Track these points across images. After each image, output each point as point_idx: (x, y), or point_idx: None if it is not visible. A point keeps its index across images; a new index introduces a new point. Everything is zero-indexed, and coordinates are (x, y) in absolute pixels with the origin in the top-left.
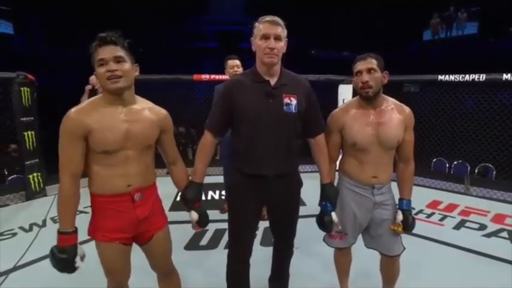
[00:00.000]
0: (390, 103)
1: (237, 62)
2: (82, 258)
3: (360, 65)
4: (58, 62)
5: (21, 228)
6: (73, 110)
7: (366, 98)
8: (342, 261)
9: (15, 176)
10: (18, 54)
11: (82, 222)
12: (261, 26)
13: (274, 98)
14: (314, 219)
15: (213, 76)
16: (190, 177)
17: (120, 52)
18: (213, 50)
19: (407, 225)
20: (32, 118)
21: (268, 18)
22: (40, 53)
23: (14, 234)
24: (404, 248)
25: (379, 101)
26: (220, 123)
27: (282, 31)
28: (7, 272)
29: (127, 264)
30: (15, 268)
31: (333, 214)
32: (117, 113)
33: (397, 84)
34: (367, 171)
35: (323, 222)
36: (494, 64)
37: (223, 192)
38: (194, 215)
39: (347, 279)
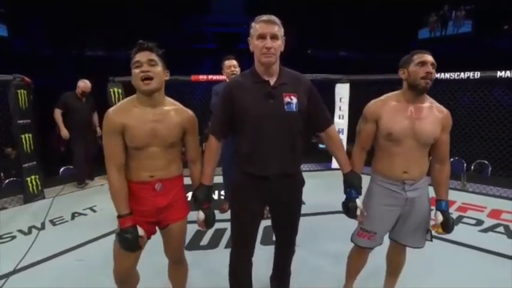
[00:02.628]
0: (430, 102)
1: (234, 62)
2: (144, 236)
3: (425, 57)
4: (57, 63)
5: (20, 231)
6: (110, 110)
7: (422, 89)
8: (359, 261)
9: (12, 179)
10: (15, 56)
11: (87, 222)
12: (257, 26)
13: (275, 98)
14: (314, 217)
15: (210, 76)
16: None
17: (154, 57)
18: (212, 51)
19: (448, 226)
20: (29, 121)
21: (264, 17)
22: (39, 54)
23: (13, 237)
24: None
25: (422, 97)
26: (223, 126)
27: (279, 30)
28: (7, 275)
29: (136, 257)
30: (15, 271)
31: (358, 200)
32: (146, 113)
33: (395, 83)
34: (398, 165)
35: (348, 208)
36: (489, 62)
37: (223, 192)
38: (201, 215)
39: (354, 280)
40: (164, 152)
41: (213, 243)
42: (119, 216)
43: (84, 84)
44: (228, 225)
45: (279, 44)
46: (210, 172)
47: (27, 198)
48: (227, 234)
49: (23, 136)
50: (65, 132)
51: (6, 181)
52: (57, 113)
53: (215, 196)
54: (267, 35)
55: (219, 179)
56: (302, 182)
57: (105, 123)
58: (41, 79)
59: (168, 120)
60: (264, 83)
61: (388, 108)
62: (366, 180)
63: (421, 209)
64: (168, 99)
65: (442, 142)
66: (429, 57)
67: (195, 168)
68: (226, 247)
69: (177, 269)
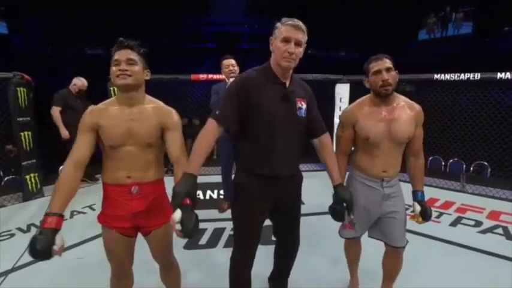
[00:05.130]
0: (401, 100)
1: (232, 61)
2: (60, 248)
3: (378, 65)
4: (57, 61)
5: (19, 229)
6: (89, 108)
7: (384, 96)
8: (353, 250)
9: (11, 177)
10: (14, 53)
11: (86, 220)
12: (283, 29)
13: (290, 101)
14: (313, 217)
15: (210, 76)
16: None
17: (133, 56)
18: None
19: (426, 215)
20: (28, 118)
21: (292, 22)
22: (38, 52)
23: (12, 235)
24: (407, 241)
25: (392, 99)
26: (231, 115)
27: (303, 37)
28: (6, 273)
29: (126, 253)
30: (13, 269)
31: (345, 204)
32: (123, 111)
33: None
34: (378, 165)
35: (336, 212)
36: (490, 63)
37: (222, 192)
38: (177, 215)
39: (357, 267)
40: (142, 152)
41: (212, 243)
42: (46, 214)
43: (81, 82)
44: (227, 224)
45: (301, 51)
46: (199, 160)
47: (26, 196)
48: (226, 233)
49: (22, 134)
50: (64, 133)
51: (6, 179)
52: (56, 112)
53: (214, 195)
54: (292, 40)
55: (216, 179)
56: (301, 178)
57: (81, 120)
58: (41, 77)
59: (145, 118)
60: (281, 85)
61: (363, 113)
62: None
63: (397, 204)
64: (149, 98)
65: (416, 137)
66: (383, 64)
67: (179, 168)
68: (225, 246)
69: (168, 273)
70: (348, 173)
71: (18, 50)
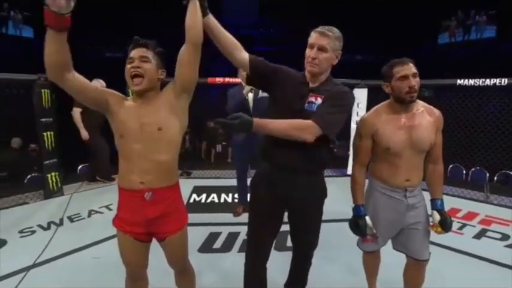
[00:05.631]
0: (420, 106)
1: None
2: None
3: (405, 70)
4: (77, 63)
5: (40, 226)
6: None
7: (409, 102)
8: (372, 263)
9: (33, 175)
10: (40, 56)
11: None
12: (311, 35)
13: (304, 97)
14: (331, 224)
15: (227, 79)
16: None
17: (147, 54)
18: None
19: (446, 225)
20: (51, 119)
21: (320, 28)
22: None
23: (33, 232)
24: (430, 254)
25: (411, 105)
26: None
27: (330, 42)
28: (27, 269)
29: (140, 257)
30: (34, 265)
31: (367, 218)
32: (134, 108)
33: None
34: (401, 175)
35: (358, 226)
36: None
37: (236, 195)
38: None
39: (376, 279)
40: (150, 152)
41: (226, 247)
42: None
43: (100, 84)
44: (241, 229)
45: (326, 57)
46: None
47: (47, 194)
48: (241, 238)
49: (45, 134)
50: (85, 134)
51: (29, 176)
52: (77, 113)
53: (228, 199)
54: (315, 45)
55: (230, 182)
56: (319, 181)
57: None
58: None
59: (157, 115)
60: (305, 85)
61: (382, 121)
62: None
63: (420, 214)
64: None
65: (435, 143)
66: (409, 69)
67: None
68: (239, 251)
69: (183, 278)
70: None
71: (42, 53)
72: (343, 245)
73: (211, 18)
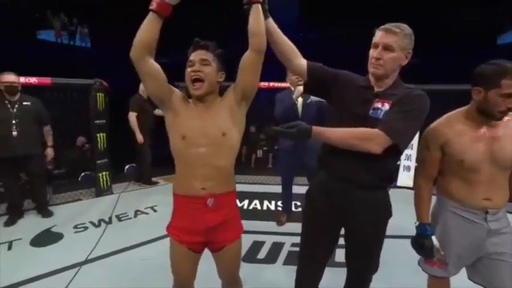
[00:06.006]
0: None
1: None
2: None
3: None
4: (126, 70)
5: (92, 223)
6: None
7: (496, 120)
8: None
9: (86, 173)
10: (96, 63)
11: (148, 221)
12: (376, 34)
13: (368, 102)
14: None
15: (272, 84)
16: None
17: (207, 56)
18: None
19: None
20: (104, 121)
21: (386, 25)
22: (114, 61)
23: (86, 228)
24: None
25: None
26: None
27: (397, 40)
28: (80, 264)
29: (192, 268)
30: (86, 261)
31: (434, 238)
32: (197, 110)
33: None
34: (478, 192)
35: (423, 247)
36: None
37: (280, 203)
38: None
39: None
40: (217, 157)
41: (271, 258)
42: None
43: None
44: (286, 239)
45: (393, 57)
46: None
47: (98, 192)
48: (286, 249)
49: (98, 135)
50: (140, 137)
51: (82, 174)
52: (133, 117)
53: (272, 207)
54: (380, 44)
55: (273, 189)
56: (384, 199)
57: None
58: (116, 83)
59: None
60: (369, 89)
61: (455, 131)
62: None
63: (506, 242)
64: None
65: None
66: None
67: None
68: (285, 263)
69: None
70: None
71: (98, 60)
72: (401, 263)
73: (270, 22)
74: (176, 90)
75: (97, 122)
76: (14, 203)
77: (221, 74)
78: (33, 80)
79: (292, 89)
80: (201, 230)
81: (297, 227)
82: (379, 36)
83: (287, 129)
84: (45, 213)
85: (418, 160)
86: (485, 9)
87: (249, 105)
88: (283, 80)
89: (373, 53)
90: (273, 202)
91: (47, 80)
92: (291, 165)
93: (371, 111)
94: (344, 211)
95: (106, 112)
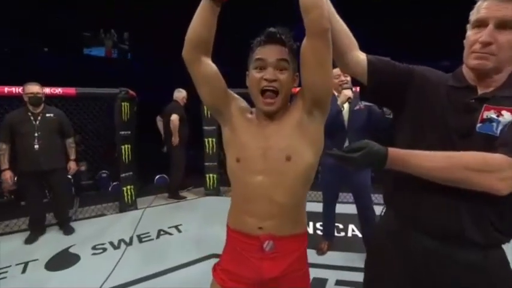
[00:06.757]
0: None
1: (339, 71)
2: None
3: None
4: (164, 80)
5: (111, 243)
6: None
7: None
8: None
9: (116, 183)
10: (133, 75)
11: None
12: (480, 5)
13: (473, 111)
14: None
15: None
16: None
17: (285, 55)
18: None
19: None
20: (129, 132)
21: None
22: (151, 73)
23: (104, 250)
24: None
25: None
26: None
27: None
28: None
29: None
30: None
31: None
32: (258, 126)
33: None
34: None
35: None
36: None
37: (320, 226)
38: None
39: None
40: (278, 189)
41: None
42: None
43: (183, 94)
44: (329, 274)
45: (510, 40)
46: None
47: (122, 207)
48: (329, 286)
49: (123, 147)
50: (176, 140)
51: (113, 184)
52: (177, 120)
53: (310, 229)
54: (489, 21)
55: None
56: (500, 267)
57: None
58: (148, 93)
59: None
60: (468, 90)
61: None
62: None
63: None
64: None
65: None
66: None
67: None
68: None
69: None
70: None
71: (137, 71)
72: None
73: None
74: (238, 98)
75: (122, 133)
76: (35, 219)
77: (295, 76)
78: (58, 90)
79: (336, 94)
80: (254, 280)
81: (341, 257)
82: (488, 7)
83: (349, 153)
84: (67, 230)
85: None
86: None
87: (327, 113)
88: None
89: (476, 35)
90: (311, 224)
91: (71, 91)
92: (335, 183)
93: (479, 125)
94: (434, 282)
95: (132, 122)
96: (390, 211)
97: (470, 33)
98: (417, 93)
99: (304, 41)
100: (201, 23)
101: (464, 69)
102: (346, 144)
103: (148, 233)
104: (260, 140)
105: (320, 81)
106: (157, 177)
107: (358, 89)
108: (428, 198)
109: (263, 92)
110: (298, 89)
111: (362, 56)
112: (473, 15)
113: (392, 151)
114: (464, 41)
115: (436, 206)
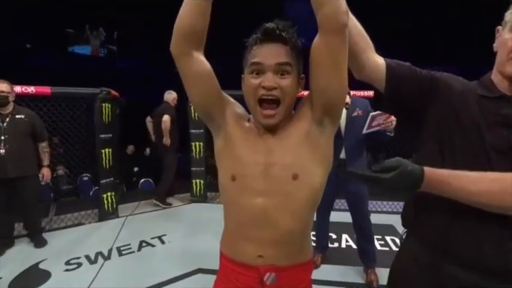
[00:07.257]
0: None
1: None
2: None
3: None
4: (153, 80)
5: (87, 257)
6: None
7: None
8: None
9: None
10: (119, 75)
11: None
12: None
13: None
14: None
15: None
16: None
17: (287, 57)
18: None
19: None
20: (110, 135)
21: None
22: (140, 73)
23: (79, 265)
24: None
25: None
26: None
27: None
28: None
29: None
30: None
31: None
32: (258, 137)
33: None
34: None
35: None
36: None
37: (313, 236)
38: None
39: None
40: (279, 211)
41: None
42: None
43: (173, 96)
44: None
45: None
46: None
47: (102, 215)
48: None
49: (103, 151)
50: (168, 141)
51: (95, 188)
52: (169, 122)
53: None
54: None
55: None
56: None
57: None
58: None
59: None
60: (501, 100)
61: None
62: None
63: None
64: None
65: None
66: None
67: None
68: None
69: None
70: None
71: (122, 70)
72: None
73: None
74: (234, 102)
75: (102, 136)
76: (1, 231)
77: (301, 79)
78: (31, 89)
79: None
80: None
81: (335, 271)
82: None
83: (380, 174)
84: (38, 242)
85: None
86: None
87: (338, 124)
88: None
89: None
90: None
91: (46, 89)
92: (329, 192)
93: None
94: None
95: (114, 125)
96: (414, 238)
97: (509, 36)
98: (442, 103)
99: (317, 39)
100: (194, 9)
101: (495, 76)
102: (343, 154)
103: (129, 244)
104: (260, 154)
105: (335, 84)
106: (142, 180)
107: (355, 93)
108: (462, 223)
109: (261, 101)
110: (303, 92)
111: (380, 60)
112: (510, 17)
113: (430, 171)
114: (495, 45)
115: (472, 233)
